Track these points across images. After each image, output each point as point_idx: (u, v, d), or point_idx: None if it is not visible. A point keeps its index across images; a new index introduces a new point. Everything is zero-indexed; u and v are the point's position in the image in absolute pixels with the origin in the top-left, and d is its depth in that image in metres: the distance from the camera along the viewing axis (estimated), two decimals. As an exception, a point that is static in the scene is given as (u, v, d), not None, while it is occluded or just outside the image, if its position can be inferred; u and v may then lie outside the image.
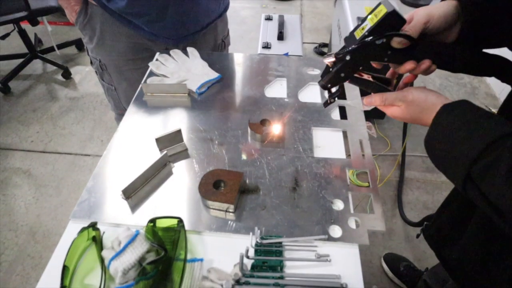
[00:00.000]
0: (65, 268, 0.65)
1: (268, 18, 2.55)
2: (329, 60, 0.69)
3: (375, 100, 0.72)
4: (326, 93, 0.77)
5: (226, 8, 1.38)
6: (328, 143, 0.96)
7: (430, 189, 2.07)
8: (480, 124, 0.54)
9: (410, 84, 0.73)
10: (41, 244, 1.80)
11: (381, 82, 0.73)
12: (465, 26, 0.66)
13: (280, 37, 2.33)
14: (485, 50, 0.69)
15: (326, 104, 0.79)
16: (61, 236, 0.74)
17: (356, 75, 0.72)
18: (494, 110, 2.51)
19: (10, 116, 2.53)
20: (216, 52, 1.43)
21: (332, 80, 0.71)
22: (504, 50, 0.69)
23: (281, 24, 2.46)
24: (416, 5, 3.78)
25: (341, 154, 0.93)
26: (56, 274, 0.65)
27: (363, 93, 1.04)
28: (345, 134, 0.98)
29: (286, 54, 1.37)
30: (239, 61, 1.28)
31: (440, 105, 0.61)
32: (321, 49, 3.17)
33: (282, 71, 1.21)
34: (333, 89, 0.76)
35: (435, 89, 2.77)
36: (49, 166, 2.20)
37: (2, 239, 1.82)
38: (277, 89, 1.15)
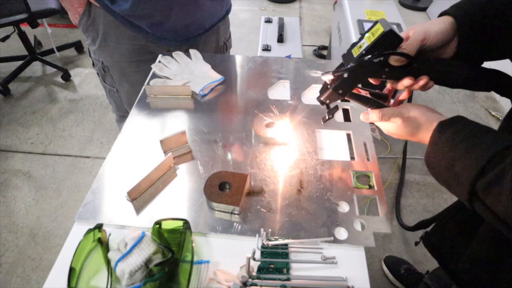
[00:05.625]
0: (71, 270, 0.65)
1: (268, 21, 2.56)
2: (328, 77, 0.70)
3: (372, 116, 0.73)
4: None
5: (228, 10, 1.38)
6: (332, 145, 0.96)
7: (430, 192, 2.08)
8: (479, 139, 0.54)
9: (406, 101, 0.74)
10: (41, 246, 1.79)
11: (378, 98, 0.74)
12: (461, 42, 0.66)
13: (280, 39, 2.34)
14: (483, 65, 0.69)
15: (325, 120, 0.80)
16: (61, 237, 0.74)
17: (353, 91, 0.72)
18: (494, 113, 2.52)
19: (10, 118, 2.53)
20: (218, 54, 1.43)
21: (330, 96, 0.72)
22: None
23: (281, 27, 2.47)
24: (415, 8, 3.80)
25: (346, 157, 0.93)
26: (61, 275, 0.65)
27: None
28: (348, 136, 0.99)
29: (289, 57, 1.37)
30: (242, 63, 1.28)
31: (436, 121, 0.61)
32: (320, 52, 3.18)
33: (285, 73, 1.21)
34: (331, 105, 0.77)
35: (434, 92, 2.80)
36: (49, 168, 2.20)
37: (2, 241, 1.81)
38: (280, 91, 1.15)
